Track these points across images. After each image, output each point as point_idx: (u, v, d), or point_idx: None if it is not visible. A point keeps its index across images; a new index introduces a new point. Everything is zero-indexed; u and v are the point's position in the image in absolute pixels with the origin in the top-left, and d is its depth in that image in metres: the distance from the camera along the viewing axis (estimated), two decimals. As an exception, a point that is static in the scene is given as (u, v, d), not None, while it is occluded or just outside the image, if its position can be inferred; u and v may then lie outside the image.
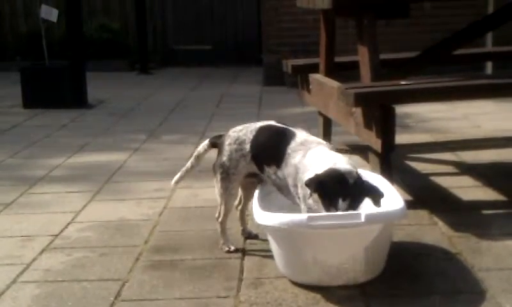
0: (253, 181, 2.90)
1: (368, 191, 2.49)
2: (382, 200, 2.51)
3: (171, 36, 11.21)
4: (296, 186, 2.60)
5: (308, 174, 2.50)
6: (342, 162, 2.49)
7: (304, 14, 7.29)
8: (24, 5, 11.14)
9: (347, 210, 2.40)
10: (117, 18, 11.05)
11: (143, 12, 10.07)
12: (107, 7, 11.16)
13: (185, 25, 11.14)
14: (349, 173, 2.44)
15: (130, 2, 10.73)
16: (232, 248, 2.90)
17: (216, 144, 2.89)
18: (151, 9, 10.83)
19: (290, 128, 2.76)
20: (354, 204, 2.43)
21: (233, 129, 2.87)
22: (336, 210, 2.40)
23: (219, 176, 2.83)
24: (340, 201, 2.40)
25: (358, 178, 2.46)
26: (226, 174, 2.81)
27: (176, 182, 3.05)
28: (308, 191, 2.45)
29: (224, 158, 2.81)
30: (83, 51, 7.34)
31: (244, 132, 2.82)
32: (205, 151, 2.95)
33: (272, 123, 2.85)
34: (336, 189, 2.42)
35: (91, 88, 7.33)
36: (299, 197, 2.60)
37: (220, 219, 2.91)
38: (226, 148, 2.81)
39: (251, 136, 2.79)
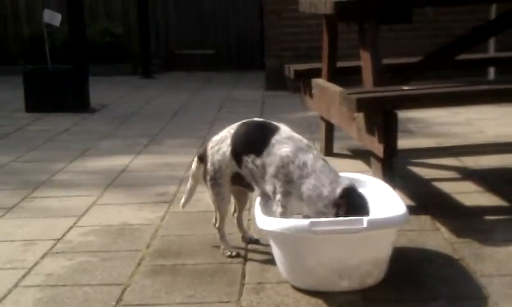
0: (241, 189, 2.91)
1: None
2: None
3: (174, 40, 11.23)
4: (276, 177, 2.61)
5: (304, 186, 2.54)
6: (348, 181, 2.58)
7: (306, 19, 7.28)
8: (27, 9, 11.16)
9: None
10: (119, 22, 11.07)
11: (145, 16, 10.09)
12: (110, 11, 11.18)
13: (188, 29, 11.15)
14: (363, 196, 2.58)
15: (132, 6, 10.74)
16: (234, 253, 2.90)
17: (202, 156, 2.91)
18: (153, 13, 10.85)
19: (273, 122, 2.79)
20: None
21: (216, 135, 2.90)
22: None
23: (208, 184, 2.86)
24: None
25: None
26: (213, 179, 2.83)
27: (184, 206, 3.09)
28: (319, 209, 2.53)
29: (208, 164, 2.84)
30: (86, 55, 7.35)
31: (226, 130, 2.85)
32: (197, 168, 2.96)
33: (255, 118, 2.88)
34: (362, 206, 2.53)
35: (93, 92, 7.34)
36: (275, 188, 2.61)
37: (217, 225, 2.93)
38: (209, 153, 2.85)
39: (232, 131, 2.82)
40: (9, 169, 4.73)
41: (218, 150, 2.81)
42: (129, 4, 10.97)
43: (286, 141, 2.65)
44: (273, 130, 2.71)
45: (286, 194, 2.58)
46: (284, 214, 2.59)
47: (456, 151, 4.66)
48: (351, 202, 2.50)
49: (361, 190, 2.82)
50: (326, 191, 2.51)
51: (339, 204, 2.50)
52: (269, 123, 2.79)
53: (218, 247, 2.95)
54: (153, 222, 3.43)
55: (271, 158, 2.64)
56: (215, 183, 2.84)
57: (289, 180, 2.58)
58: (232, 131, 2.82)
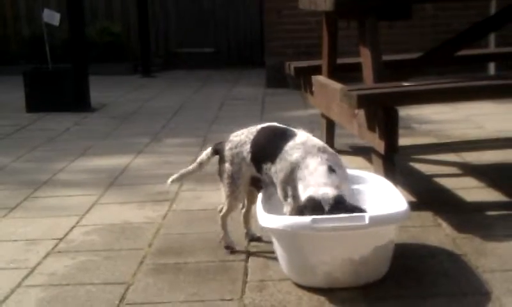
0: (256, 190, 2.91)
1: (349, 211, 2.44)
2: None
3: (174, 39, 11.23)
4: (287, 183, 2.60)
5: (300, 188, 2.53)
6: (322, 186, 2.46)
7: (306, 16, 7.30)
8: (27, 9, 11.17)
9: None
10: (119, 21, 11.07)
11: (145, 15, 10.09)
12: (110, 10, 11.19)
13: (188, 27, 11.16)
14: (325, 199, 2.42)
15: (132, 5, 10.75)
16: (231, 245, 2.92)
17: (217, 150, 2.90)
18: (153, 12, 10.85)
19: (292, 128, 2.77)
20: None
21: (235, 133, 2.88)
22: None
23: (225, 181, 2.85)
24: None
25: (336, 202, 2.42)
26: (231, 179, 2.83)
27: (173, 181, 3.04)
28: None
29: (227, 164, 2.83)
30: (85, 54, 7.36)
31: (245, 134, 2.84)
32: (208, 158, 2.95)
33: (275, 124, 2.86)
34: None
35: (93, 91, 7.34)
36: (286, 193, 2.61)
37: (222, 214, 2.93)
38: (227, 153, 2.83)
39: (251, 136, 2.80)
40: (11, 169, 4.74)
41: (238, 154, 2.80)
42: (129, 3, 10.98)
43: (299, 146, 2.63)
44: (289, 137, 2.68)
45: (296, 199, 2.57)
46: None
47: (457, 147, 4.66)
48: (309, 211, 2.43)
49: (361, 186, 2.84)
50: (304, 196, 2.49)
51: (301, 211, 2.46)
52: (288, 129, 2.76)
53: (220, 244, 2.96)
54: (154, 220, 3.44)
55: (281, 164, 2.63)
56: (232, 182, 2.83)
57: (294, 186, 2.57)
58: (251, 136, 2.80)
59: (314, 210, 2.42)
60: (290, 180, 2.59)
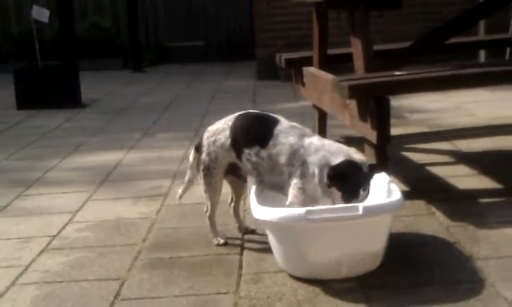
0: (237, 180, 2.92)
1: (375, 173, 2.62)
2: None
3: (164, 33, 11.20)
4: (291, 165, 2.62)
5: (313, 159, 2.57)
6: (353, 153, 2.62)
7: (296, 7, 7.29)
8: (16, 6, 11.11)
9: (364, 198, 2.51)
10: (108, 16, 11.03)
11: (134, 10, 10.04)
12: (99, 5, 11.14)
13: (178, 21, 11.12)
14: (364, 163, 2.56)
15: (121, 0, 10.70)
16: (221, 241, 2.93)
17: (198, 147, 2.91)
18: (142, 7, 10.81)
19: (270, 113, 2.80)
20: (368, 191, 2.54)
21: (212, 124, 2.89)
22: (357, 201, 2.48)
23: (201, 173, 2.87)
24: (361, 191, 2.50)
25: (368, 166, 2.58)
26: (207, 170, 2.84)
27: (181, 196, 3.08)
28: (324, 179, 2.53)
29: (204, 154, 2.85)
30: (75, 51, 7.32)
31: (223, 121, 2.85)
32: (194, 158, 2.95)
33: (251, 110, 2.89)
34: (358, 181, 2.51)
35: (84, 88, 7.31)
36: (290, 175, 2.62)
37: (208, 214, 2.94)
38: (205, 143, 2.85)
39: (230, 123, 2.81)
40: (2, 168, 4.71)
41: (215, 141, 2.81)
42: (118, -2, 10.94)
43: (289, 130, 2.67)
44: (274, 122, 2.72)
45: (302, 176, 2.59)
46: (301, 195, 2.59)
47: (449, 135, 4.67)
48: (343, 172, 2.50)
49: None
50: (333, 161, 2.54)
51: (332, 175, 2.51)
52: (267, 114, 2.79)
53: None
54: (148, 215, 3.43)
55: (278, 149, 2.64)
56: (208, 173, 2.84)
57: (302, 162, 2.60)
58: (230, 123, 2.81)
59: (358, 175, 2.51)
60: (295, 159, 2.61)
